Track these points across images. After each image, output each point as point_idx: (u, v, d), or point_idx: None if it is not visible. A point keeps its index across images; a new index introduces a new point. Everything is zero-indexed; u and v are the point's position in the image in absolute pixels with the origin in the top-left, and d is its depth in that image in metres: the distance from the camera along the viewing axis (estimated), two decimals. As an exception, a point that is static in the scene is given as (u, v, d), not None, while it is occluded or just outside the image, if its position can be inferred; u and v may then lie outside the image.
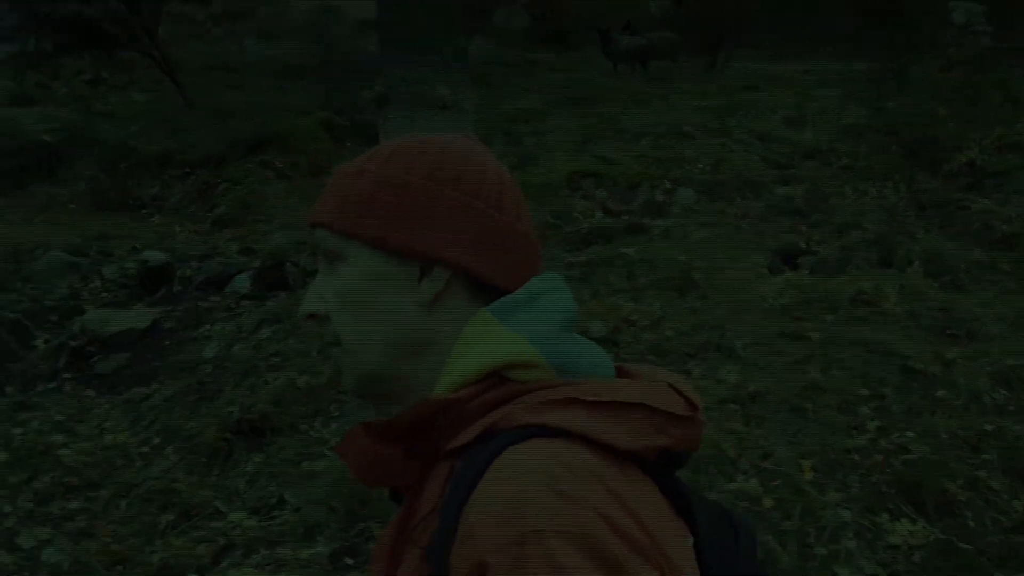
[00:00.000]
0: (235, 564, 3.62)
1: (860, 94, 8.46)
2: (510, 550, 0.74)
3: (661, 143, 7.60)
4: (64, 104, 11.12)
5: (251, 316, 5.63)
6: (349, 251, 0.94)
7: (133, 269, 6.31)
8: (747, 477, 3.71)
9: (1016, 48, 9.20)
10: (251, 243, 7.07)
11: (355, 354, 0.95)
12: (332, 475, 3.97)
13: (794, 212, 6.38)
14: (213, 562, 3.65)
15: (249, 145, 9.00)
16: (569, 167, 7.05)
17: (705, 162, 7.05)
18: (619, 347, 4.63)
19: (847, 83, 9.57)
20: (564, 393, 0.85)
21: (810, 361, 4.42)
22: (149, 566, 3.65)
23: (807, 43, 14.01)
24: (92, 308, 5.95)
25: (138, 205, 8.70)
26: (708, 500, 0.98)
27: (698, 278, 5.17)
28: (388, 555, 0.93)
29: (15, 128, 9.75)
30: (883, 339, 4.55)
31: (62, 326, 5.73)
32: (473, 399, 0.88)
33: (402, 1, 5.38)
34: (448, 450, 0.87)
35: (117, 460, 4.49)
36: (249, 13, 16.83)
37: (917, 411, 4.03)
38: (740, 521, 0.99)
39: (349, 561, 3.59)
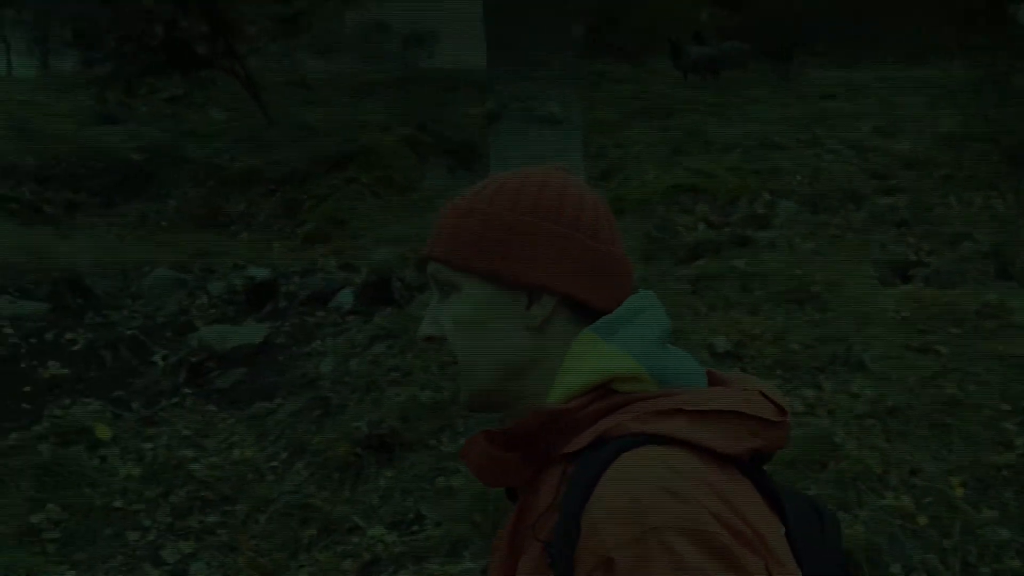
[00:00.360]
0: (385, 579, 3.65)
1: (951, 101, 8.34)
2: (633, 545, 0.83)
3: (753, 155, 7.56)
4: (146, 123, 11.38)
5: (362, 332, 5.68)
6: (463, 283, 1.04)
7: (240, 285, 6.41)
8: (897, 494, 3.65)
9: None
10: (348, 259, 7.15)
11: (470, 373, 1.06)
12: (471, 491, 3.99)
13: (899, 223, 6.30)
14: (360, 577, 3.69)
15: (333, 161, 9.12)
16: (665, 180, 7.03)
17: (802, 173, 6.99)
18: (743, 361, 4.60)
19: (931, 90, 9.45)
20: (668, 404, 0.95)
21: (944, 375, 4.35)
22: (298, 580, 3.69)
23: (873, 49, 13.86)
24: (202, 324, 6.05)
25: (227, 222, 8.85)
26: (795, 492, 1.07)
27: (816, 290, 5.12)
28: (507, 547, 1.03)
29: (103, 147, 9.99)
30: (1018, 353, 4.47)
31: (177, 342, 5.83)
32: (583, 409, 0.98)
33: (511, 16, 5.41)
34: (561, 454, 0.97)
35: (248, 475, 4.55)
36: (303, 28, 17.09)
37: (1065, 427, 3.95)
38: (825, 511, 1.08)
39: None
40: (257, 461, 4.65)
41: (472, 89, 11.37)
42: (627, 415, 0.95)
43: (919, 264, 5.74)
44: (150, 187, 9.56)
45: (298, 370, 5.43)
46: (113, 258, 7.05)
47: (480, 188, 1.07)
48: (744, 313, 5.05)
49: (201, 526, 4.25)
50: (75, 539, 4.19)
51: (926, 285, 5.46)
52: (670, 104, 10.27)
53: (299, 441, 4.68)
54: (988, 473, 3.74)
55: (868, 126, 8.35)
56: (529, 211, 1.03)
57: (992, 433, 3.96)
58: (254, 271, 6.52)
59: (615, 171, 7.88)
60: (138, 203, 9.34)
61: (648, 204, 6.70)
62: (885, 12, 13.51)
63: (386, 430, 4.51)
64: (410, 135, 9.31)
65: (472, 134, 9.77)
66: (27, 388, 5.25)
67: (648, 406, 0.95)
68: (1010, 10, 12.78)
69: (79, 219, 8.75)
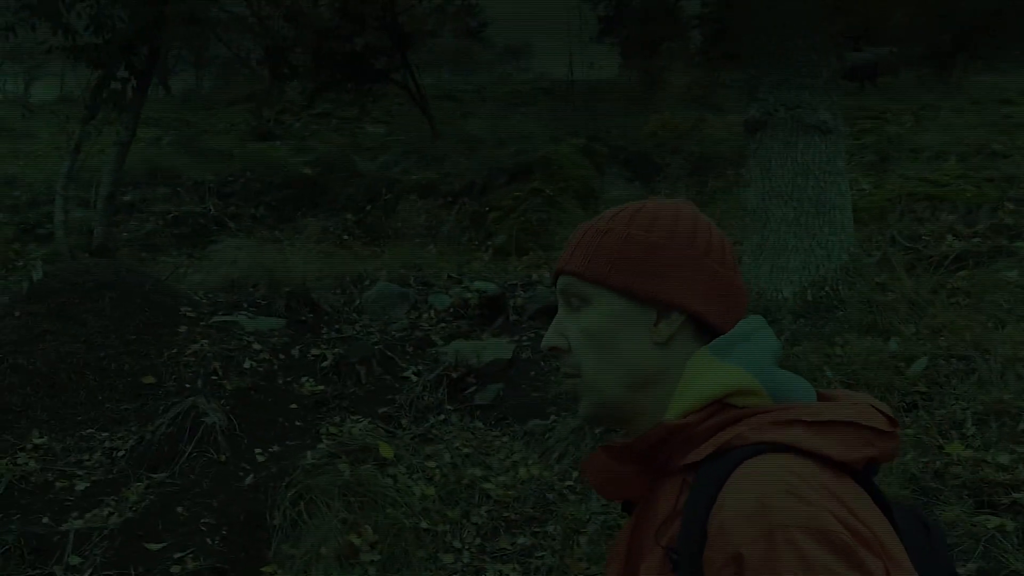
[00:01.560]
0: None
1: None
2: (761, 542, 0.87)
3: (973, 163, 7.27)
4: (302, 137, 11.51)
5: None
6: (595, 296, 1.09)
7: (474, 299, 6.34)
8: None
9: None
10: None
11: (594, 385, 1.10)
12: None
13: None
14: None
15: (511, 172, 9.06)
16: (887, 189, 6.78)
17: (1041, 180, 6.69)
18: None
19: None
20: (785, 415, 0.99)
21: None
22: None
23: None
24: (439, 339, 6.00)
25: (410, 234, 8.86)
26: (901, 503, 1.11)
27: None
28: (623, 557, 1.08)
29: (272, 162, 10.10)
30: None
31: (419, 357, 5.78)
32: (702, 423, 1.02)
33: (780, 23, 5.26)
34: (681, 466, 1.01)
35: (546, 494, 4.45)
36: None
37: None
38: (931, 523, 1.11)
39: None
40: (549, 480, 4.55)
41: (621, 100, 11.25)
42: (746, 427, 0.98)
43: None
44: (324, 200, 9.62)
45: (556, 385, 5.34)
46: (324, 271, 7.06)
47: (617, 212, 1.13)
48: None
49: (515, 548, 4.15)
50: (392, 561, 4.13)
51: None
52: (849, 111, 9.98)
53: (591, 460, 4.56)
54: None
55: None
56: (666, 234, 1.10)
57: None
58: (481, 285, 6.45)
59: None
60: (315, 217, 9.41)
61: (875, 212, 6.47)
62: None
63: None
64: (584, 146, 9.21)
65: (643, 145, 9.65)
66: (293, 405, 5.24)
67: (766, 418, 0.99)
68: None
69: (262, 233, 8.83)
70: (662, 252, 1.09)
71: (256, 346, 5.79)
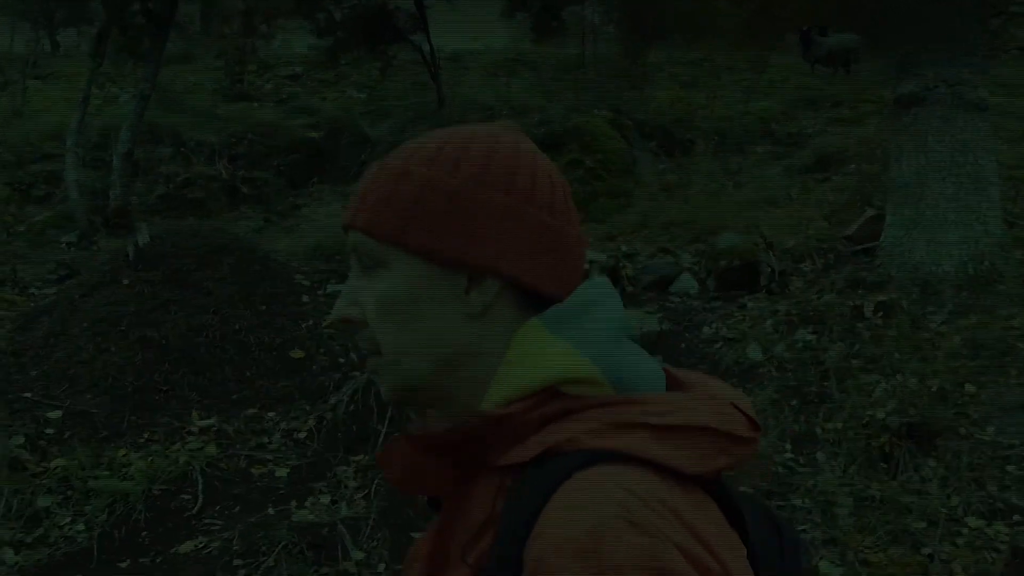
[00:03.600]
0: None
1: None
2: None
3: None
4: (278, 101, 10.82)
5: (761, 315, 5.53)
6: (390, 258, 0.89)
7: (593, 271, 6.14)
8: None
9: None
10: (628, 242, 6.97)
11: (396, 364, 0.91)
12: None
13: None
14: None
15: (540, 142, 8.83)
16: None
17: None
18: None
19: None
20: (628, 416, 0.82)
21: None
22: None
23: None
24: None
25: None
26: (754, 502, 0.95)
27: None
28: (426, 562, 0.92)
29: (277, 126, 9.46)
30: None
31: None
32: (527, 414, 0.85)
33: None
34: (499, 466, 0.85)
35: (769, 468, 4.37)
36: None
37: None
38: (784, 527, 0.97)
39: None
40: (766, 453, 4.47)
41: (608, 74, 11.19)
42: (580, 425, 0.82)
43: None
44: (334, 167, 9.10)
45: (702, 356, 5.25)
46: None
47: (417, 147, 0.91)
48: None
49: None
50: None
51: None
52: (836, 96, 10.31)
53: (807, 430, 4.52)
54: None
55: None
56: (475, 177, 0.88)
57: None
58: (591, 255, 6.26)
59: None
60: (328, 184, 8.88)
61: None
62: None
63: (916, 418, 4.40)
64: (612, 118, 9.10)
65: (666, 119, 9.65)
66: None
67: (606, 416, 0.83)
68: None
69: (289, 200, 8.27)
70: (469, 200, 0.88)
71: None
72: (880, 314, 5.31)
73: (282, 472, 4.09)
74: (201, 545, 3.56)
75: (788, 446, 4.56)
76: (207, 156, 8.54)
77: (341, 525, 3.54)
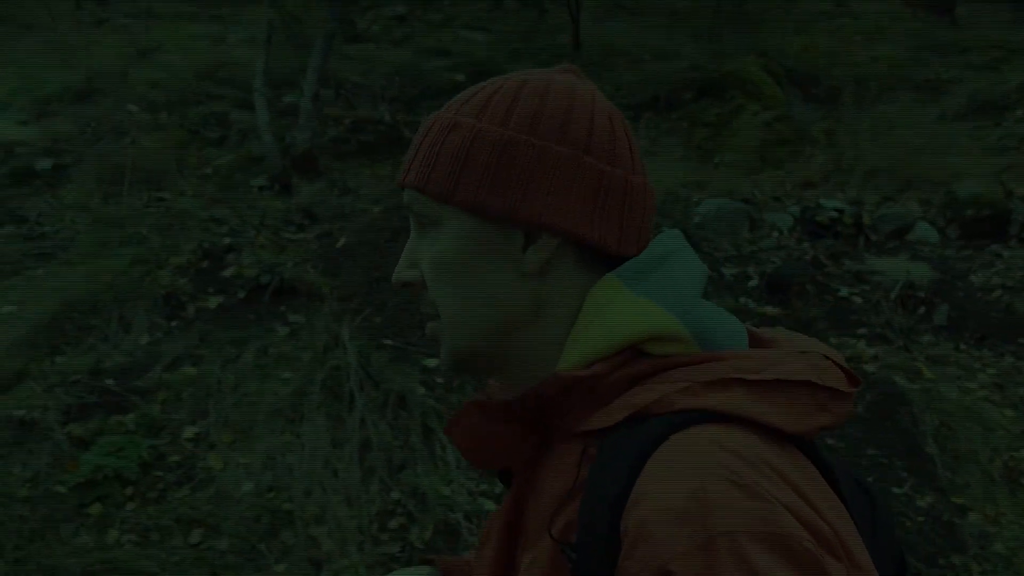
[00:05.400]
0: None
1: None
2: (698, 554, 0.67)
3: None
4: (398, 44, 10.54)
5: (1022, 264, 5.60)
6: (443, 216, 0.85)
7: (823, 218, 6.15)
8: None
9: None
10: (829, 191, 6.98)
11: (455, 327, 0.87)
12: None
13: None
14: None
15: (698, 88, 8.76)
16: None
17: None
18: None
19: None
20: (721, 372, 0.78)
21: None
22: None
23: None
24: (824, 259, 5.80)
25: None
26: (842, 468, 0.89)
27: None
28: (503, 536, 0.89)
29: (418, 68, 9.24)
30: None
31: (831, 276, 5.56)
32: (610, 375, 0.81)
33: None
34: (581, 432, 0.81)
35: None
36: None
37: None
38: (874, 491, 0.93)
39: None
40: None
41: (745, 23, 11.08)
42: (670, 385, 0.78)
43: None
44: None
45: (984, 305, 5.31)
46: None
47: (468, 96, 0.88)
48: None
49: None
50: None
51: None
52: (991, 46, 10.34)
53: None
54: None
55: None
56: (526, 127, 0.84)
57: None
58: (829, 203, 6.26)
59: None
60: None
61: None
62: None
63: None
64: (764, 64, 9.02)
65: (812, 65, 9.60)
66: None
67: (696, 374, 0.78)
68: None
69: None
70: (521, 151, 0.83)
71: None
72: None
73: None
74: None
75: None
76: (366, 99, 8.32)
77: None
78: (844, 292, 5.38)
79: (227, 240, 5.10)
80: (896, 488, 3.76)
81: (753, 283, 5.39)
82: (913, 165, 7.23)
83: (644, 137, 8.53)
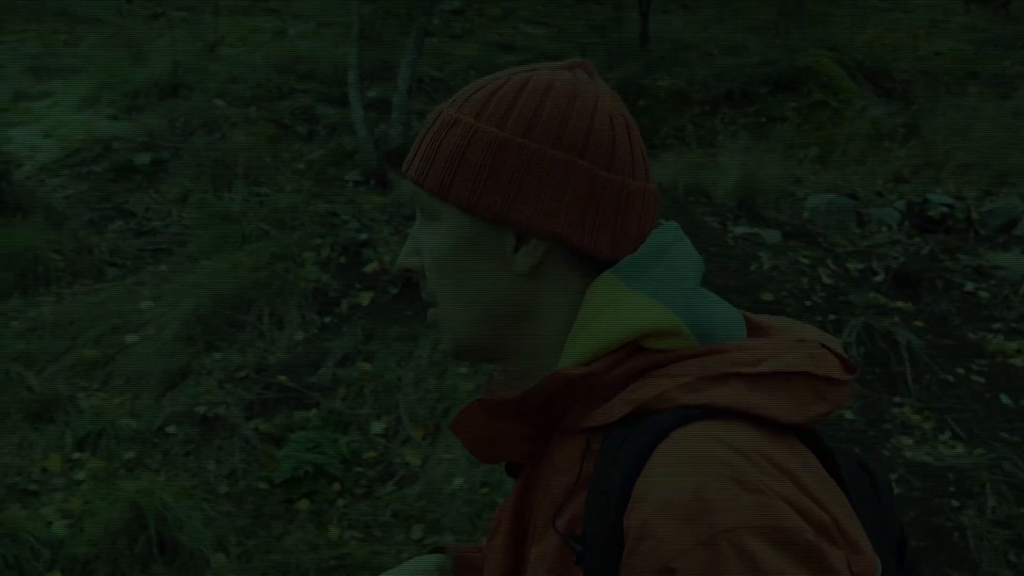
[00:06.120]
0: None
1: None
2: (701, 552, 0.68)
3: None
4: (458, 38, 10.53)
5: None
6: (440, 211, 0.86)
7: (935, 213, 6.16)
8: None
9: None
10: (924, 186, 6.99)
11: (452, 320, 0.89)
12: None
13: None
14: None
15: (773, 83, 8.77)
16: None
17: None
18: None
19: None
20: (720, 366, 0.79)
21: None
22: None
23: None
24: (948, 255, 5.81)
25: (685, 142, 8.42)
26: (842, 450, 0.90)
27: None
28: (512, 528, 0.90)
29: (492, 64, 9.22)
30: None
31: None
32: (610, 371, 0.81)
33: None
34: (582, 427, 0.82)
35: None
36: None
37: None
38: (876, 472, 0.92)
39: None
40: None
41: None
42: (670, 380, 0.78)
43: None
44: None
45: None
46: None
47: (472, 91, 0.87)
48: None
49: None
50: None
51: None
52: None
53: None
54: None
55: None
56: (522, 129, 0.83)
57: None
58: (936, 197, 6.28)
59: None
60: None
61: None
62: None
63: None
64: (837, 58, 9.03)
65: (878, 59, 9.60)
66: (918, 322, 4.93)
67: (694, 368, 0.79)
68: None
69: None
70: (515, 154, 0.82)
71: (802, 260, 5.39)
72: None
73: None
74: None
75: None
76: (444, 93, 8.31)
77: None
78: (969, 287, 5.40)
79: (363, 236, 5.09)
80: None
81: (879, 278, 5.40)
82: (1003, 159, 7.25)
83: (722, 132, 8.55)
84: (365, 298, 4.54)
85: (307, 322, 4.44)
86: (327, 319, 4.46)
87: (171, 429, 3.83)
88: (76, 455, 3.70)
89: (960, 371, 4.54)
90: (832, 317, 4.77)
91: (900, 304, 5.15)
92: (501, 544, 0.90)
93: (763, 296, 4.84)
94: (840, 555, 0.72)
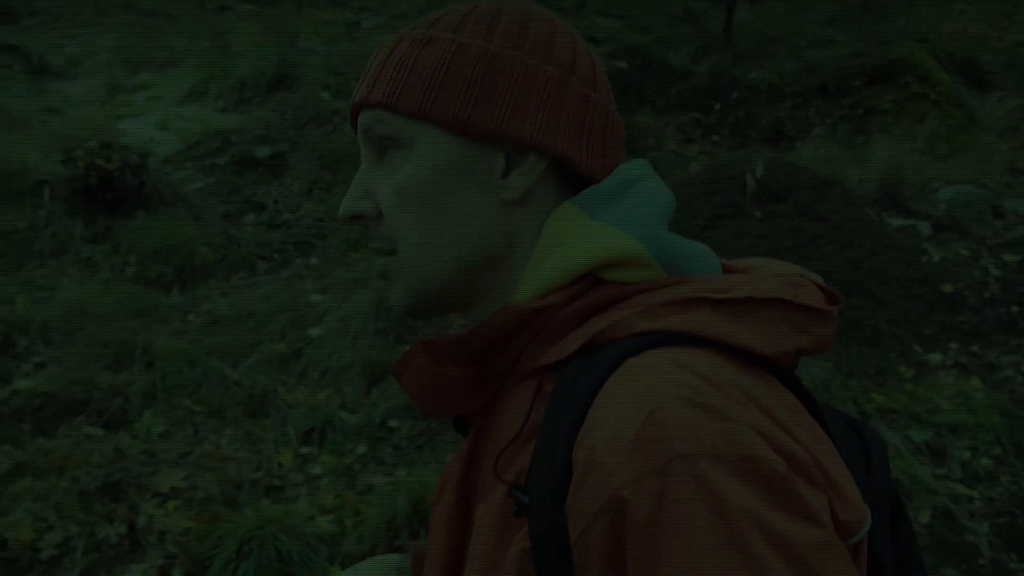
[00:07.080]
0: None
1: None
2: (653, 480, 0.59)
3: None
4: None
5: None
6: (414, 136, 0.78)
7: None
8: None
9: None
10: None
11: (417, 264, 0.79)
12: None
13: None
14: None
15: (867, 75, 8.72)
16: None
17: None
18: None
19: None
20: (684, 292, 0.71)
21: None
22: None
23: None
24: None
25: (785, 134, 8.38)
26: (830, 408, 0.82)
27: None
28: (457, 490, 0.80)
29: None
30: None
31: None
32: (566, 305, 0.74)
33: None
34: (536, 367, 0.74)
35: None
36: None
37: None
38: (867, 431, 0.84)
39: None
40: None
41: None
42: (629, 310, 0.71)
43: None
44: (651, 98, 8.87)
45: None
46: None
47: (440, 15, 0.81)
48: None
49: None
50: None
51: None
52: None
53: None
54: None
55: None
56: (511, 43, 0.78)
57: None
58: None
59: None
60: (642, 116, 8.67)
61: None
62: None
63: None
64: (930, 49, 8.99)
65: (964, 50, 9.57)
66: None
67: (656, 297, 0.72)
68: None
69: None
70: (509, 67, 0.77)
71: (962, 252, 5.35)
72: None
73: None
74: None
75: None
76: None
77: None
78: None
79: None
80: None
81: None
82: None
83: (818, 124, 8.51)
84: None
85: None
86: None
87: (393, 423, 3.77)
88: (304, 450, 3.64)
89: None
90: (1015, 309, 4.73)
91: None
92: (447, 507, 0.79)
93: (944, 288, 4.80)
94: (819, 495, 0.62)
